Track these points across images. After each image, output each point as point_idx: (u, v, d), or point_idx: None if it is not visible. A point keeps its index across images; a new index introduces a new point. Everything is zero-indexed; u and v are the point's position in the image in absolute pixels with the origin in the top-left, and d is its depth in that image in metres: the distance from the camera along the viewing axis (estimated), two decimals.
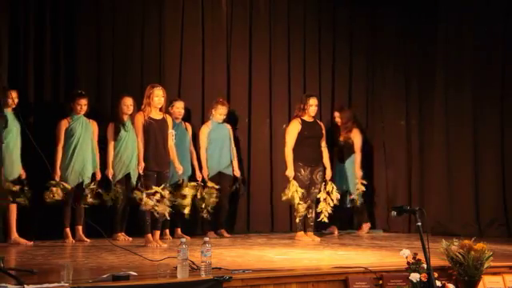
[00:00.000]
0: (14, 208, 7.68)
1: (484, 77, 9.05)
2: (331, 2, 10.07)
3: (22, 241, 7.59)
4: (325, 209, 8.53)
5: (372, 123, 10.09)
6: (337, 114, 9.60)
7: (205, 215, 8.54)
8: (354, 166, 9.41)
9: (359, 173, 9.39)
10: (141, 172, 7.51)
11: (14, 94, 7.47)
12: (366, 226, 9.51)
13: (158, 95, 7.56)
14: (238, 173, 8.90)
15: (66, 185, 7.85)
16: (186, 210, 8.24)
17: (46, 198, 7.75)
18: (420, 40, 9.68)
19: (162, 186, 7.48)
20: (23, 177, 7.67)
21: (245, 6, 9.61)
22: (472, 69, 9.13)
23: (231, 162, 8.86)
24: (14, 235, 7.66)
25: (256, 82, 9.63)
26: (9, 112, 7.36)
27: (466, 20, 9.19)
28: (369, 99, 10.12)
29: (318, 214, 8.62)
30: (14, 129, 7.56)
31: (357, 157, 9.43)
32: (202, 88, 9.29)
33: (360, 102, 10.12)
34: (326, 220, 8.61)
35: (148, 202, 7.39)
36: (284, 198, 8.49)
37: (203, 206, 8.51)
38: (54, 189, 7.75)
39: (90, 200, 7.96)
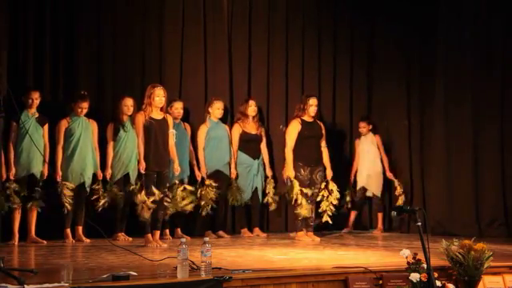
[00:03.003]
0: (34, 208, 7.72)
1: (484, 79, 9.05)
2: (331, 11, 10.08)
3: (40, 240, 7.65)
4: (328, 208, 8.53)
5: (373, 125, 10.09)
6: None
7: (204, 213, 8.52)
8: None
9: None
10: (142, 171, 7.52)
11: (35, 95, 7.71)
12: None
13: (159, 95, 7.56)
14: (234, 174, 8.88)
15: (70, 184, 7.86)
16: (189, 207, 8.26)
17: (64, 201, 7.80)
18: (420, 50, 9.70)
19: (159, 193, 7.48)
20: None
21: (245, 9, 9.60)
22: (472, 71, 9.13)
23: (229, 161, 8.85)
24: (32, 235, 7.71)
25: (257, 81, 9.63)
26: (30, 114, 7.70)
27: (465, 25, 9.21)
28: (370, 98, 10.13)
29: (320, 214, 8.63)
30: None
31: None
32: (203, 88, 9.28)
33: (361, 103, 10.12)
34: (329, 220, 8.60)
35: (148, 204, 7.40)
36: (289, 198, 8.45)
37: (203, 204, 8.51)
38: (64, 192, 7.79)
39: (102, 202, 8.00)
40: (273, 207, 9.02)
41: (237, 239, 8.53)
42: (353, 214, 9.66)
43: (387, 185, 9.71)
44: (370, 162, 9.63)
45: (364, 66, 10.13)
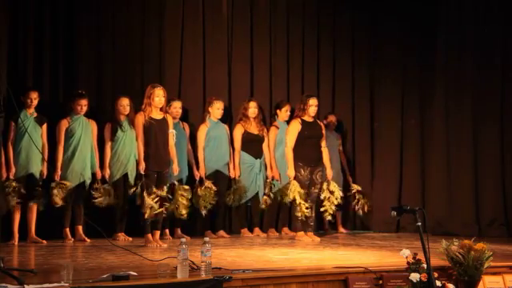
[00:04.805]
0: (34, 208, 7.73)
1: (484, 79, 9.07)
2: (331, 11, 10.08)
3: (40, 240, 7.66)
4: (330, 208, 8.55)
5: (373, 124, 10.10)
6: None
7: (203, 213, 8.50)
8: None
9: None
10: (142, 172, 7.52)
11: (33, 95, 7.71)
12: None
13: (159, 95, 7.56)
14: (233, 174, 8.87)
15: (68, 184, 7.87)
16: (184, 214, 8.23)
17: (56, 200, 7.80)
18: (420, 50, 9.72)
19: (161, 191, 7.48)
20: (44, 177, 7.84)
21: (245, 8, 9.61)
22: (472, 70, 9.16)
23: (229, 161, 8.84)
24: (32, 235, 7.72)
25: (257, 81, 9.63)
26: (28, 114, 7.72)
27: (465, 25, 9.23)
28: (370, 98, 10.13)
29: (321, 214, 8.65)
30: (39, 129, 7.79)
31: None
32: (202, 88, 9.29)
33: (361, 103, 10.13)
34: (330, 219, 8.64)
35: (147, 205, 7.40)
36: (287, 199, 8.47)
37: (201, 203, 8.49)
38: (55, 191, 7.78)
39: (99, 200, 8.01)
40: (264, 207, 9.02)
41: (237, 239, 8.53)
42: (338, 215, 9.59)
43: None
44: (336, 158, 9.51)
45: (364, 66, 10.15)
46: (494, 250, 5.76)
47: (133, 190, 7.68)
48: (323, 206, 8.58)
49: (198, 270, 5.04)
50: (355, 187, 9.60)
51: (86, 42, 8.64)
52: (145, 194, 7.43)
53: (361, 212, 9.57)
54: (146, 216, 7.43)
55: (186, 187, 8.31)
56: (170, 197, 7.81)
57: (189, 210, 8.25)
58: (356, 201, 9.55)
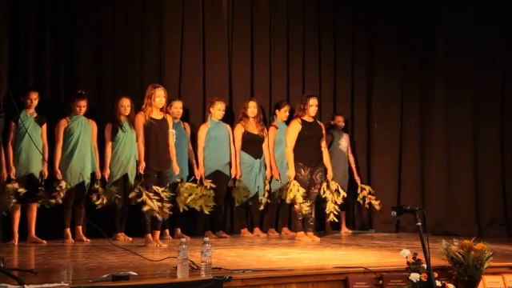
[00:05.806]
0: (34, 207, 7.73)
1: (484, 79, 9.08)
2: (331, 12, 10.08)
3: (40, 240, 7.66)
4: (333, 208, 8.56)
5: (372, 125, 10.10)
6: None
7: (206, 211, 8.49)
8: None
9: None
10: (142, 172, 7.52)
11: (33, 95, 7.71)
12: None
13: (160, 95, 7.57)
14: (234, 173, 8.86)
15: (66, 184, 7.87)
16: (181, 208, 8.27)
17: (53, 200, 7.80)
18: (420, 50, 9.73)
19: (163, 189, 7.49)
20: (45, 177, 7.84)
21: (245, 8, 9.61)
22: (472, 70, 9.16)
23: (229, 161, 8.85)
24: (32, 235, 7.71)
25: (258, 81, 9.63)
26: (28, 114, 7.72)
27: (465, 25, 9.23)
28: (370, 98, 10.13)
29: (326, 215, 8.68)
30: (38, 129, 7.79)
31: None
32: (202, 88, 9.28)
33: (361, 103, 10.13)
34: (335, 219, 8.65)
35: (149, 203, 7.40)
36: (288, 199, 8.48)
37: (202, 202, 8.49)
38: (58, 189, 7.80)
39: (99, 201, 8.01)
40: (262, 208, 9.02)
41: (237, 239, 8.53)
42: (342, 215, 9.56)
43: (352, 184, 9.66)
44: (344, 159, 9.51)
45: (364, 66, 10.14)
46: (493, 250, 5.77)
47: (132, 194, 7.68)
48: (326, 208, 8.59)
49: (197, 270, 5.04)
50: (367, 189, 9.53)
51: (85, 42, 8.64)
52: (147, 199, 7.43)
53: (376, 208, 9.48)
54: (163, 215, 7.48)
55: (193, 185, 8.36)
56: (170, 195, 7.82)
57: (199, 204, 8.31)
58: (368, 202, 9.50)
